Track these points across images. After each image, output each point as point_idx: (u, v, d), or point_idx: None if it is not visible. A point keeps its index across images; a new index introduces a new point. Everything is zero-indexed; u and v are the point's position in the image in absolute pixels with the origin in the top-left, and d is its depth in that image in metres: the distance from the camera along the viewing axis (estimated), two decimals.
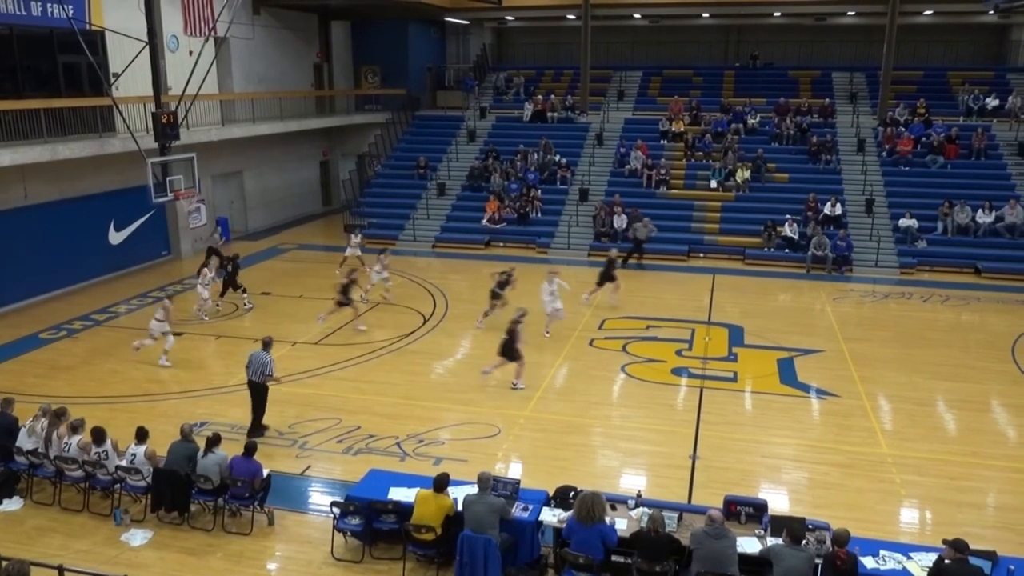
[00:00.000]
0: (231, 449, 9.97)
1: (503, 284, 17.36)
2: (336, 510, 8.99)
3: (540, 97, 31.11)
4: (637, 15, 31.54)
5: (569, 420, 12.76)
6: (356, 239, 21.82)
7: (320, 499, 10.30)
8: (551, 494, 9.04)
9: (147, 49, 17.71)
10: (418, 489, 8.71)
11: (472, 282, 21.19)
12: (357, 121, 31.07)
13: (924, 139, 26.43)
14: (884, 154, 26.49)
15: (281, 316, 18.04)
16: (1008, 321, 17.77)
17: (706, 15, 31.24)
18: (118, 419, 12.01)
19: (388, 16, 31.13)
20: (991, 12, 27.39)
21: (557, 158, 27.93)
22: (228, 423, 12.26)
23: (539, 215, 25.95)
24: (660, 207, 25.66)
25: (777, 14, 30.79)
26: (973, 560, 7.43)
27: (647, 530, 7.90)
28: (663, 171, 26.56)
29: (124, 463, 9.72)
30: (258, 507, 9.58)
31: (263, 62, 27.21)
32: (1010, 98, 27.68)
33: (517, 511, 8.64)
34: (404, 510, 8.71)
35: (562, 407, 13.31)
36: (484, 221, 25.94)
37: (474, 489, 8.48)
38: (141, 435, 9.88)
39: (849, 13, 30.28)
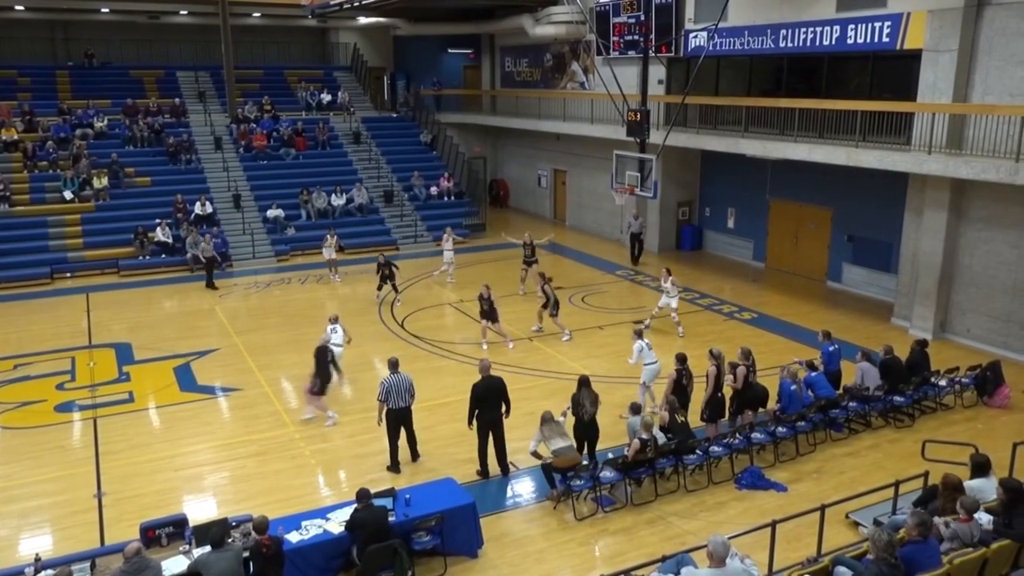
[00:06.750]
0: None
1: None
2: None
3: None
4: None
5: None
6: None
7: None
8: None
9: None
10: None
11: None
12: None
13: (275, 133, 28.19)
14: (242, 150, 27.45)
15: None
16: (368, 288, 20.17)
17: (20, 8, 27.69)
18: None
19: None
20: (310, 17, 30.46)
21: None
22: None
23: None
24: (7, 228, 22.31)
25: (105, 10, 29.01)
26: (377, 502, 8.38)
27: None
28: (2, 186, 23.01)
29: None
30: None
31: None
32: (339, 93, 31.37)
33: None
34: None
35: None
36: None
37: None
38: None
39: (182, 12, 30.23)
